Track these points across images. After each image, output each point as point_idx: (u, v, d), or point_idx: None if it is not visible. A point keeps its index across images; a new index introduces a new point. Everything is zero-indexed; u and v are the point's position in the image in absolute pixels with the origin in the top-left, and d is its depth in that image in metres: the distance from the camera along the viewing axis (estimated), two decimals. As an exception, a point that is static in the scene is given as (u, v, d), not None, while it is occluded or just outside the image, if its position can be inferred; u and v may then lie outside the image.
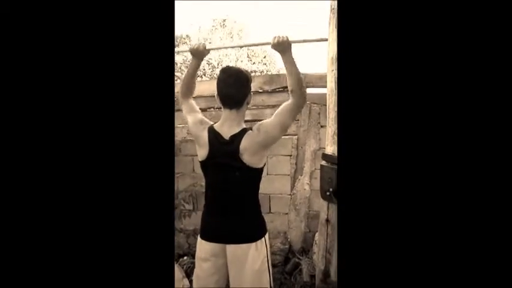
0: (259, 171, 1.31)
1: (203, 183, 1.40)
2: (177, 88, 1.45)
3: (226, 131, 1.29)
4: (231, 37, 9.67)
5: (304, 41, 1.36)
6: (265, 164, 1.32)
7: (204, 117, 1.41)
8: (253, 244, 1.28)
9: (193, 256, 2.71)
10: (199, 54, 1.42)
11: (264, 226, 1.36)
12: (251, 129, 1.28)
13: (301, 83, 1.24)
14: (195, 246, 1.38)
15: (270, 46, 1.28)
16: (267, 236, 1.35)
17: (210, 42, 8.81)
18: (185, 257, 2.71)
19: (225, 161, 1.26)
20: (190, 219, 2.58)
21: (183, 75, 1.48)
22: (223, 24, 9.62)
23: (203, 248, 1.34)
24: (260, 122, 1.30)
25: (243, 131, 1.28)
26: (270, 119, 1.29)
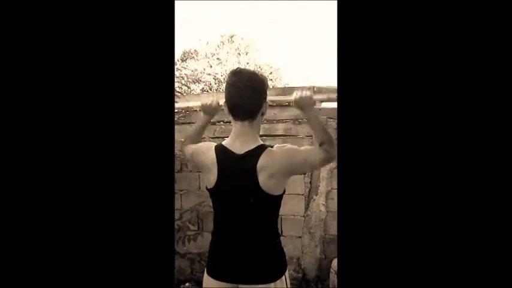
0: (278, 198, 1.10)
1: (211, 203, 1.19)
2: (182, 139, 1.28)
3: (239, 148, 1.09)
4: (238, 53, 9.74)
5: (329, 99, 1.38)
6: (284, 191, 1.12)
7: (206, 141, 1.22)
8: (272, 284, 1.08)
9: (196, 282, 2.52)
10: (211, 110, 1.27)
11: (285, 261, 1.15)
12: (272, 146, 1.09)
13: (331, 138, 1.09)
14: (199, 272, 1.17)
15: (293, 98, 1.12)
16: (287, 272, 1.14)
17: (218, 58, 8.83)
18: (187, 284, 2.53)
19: (238, 181, 1.06)
20: (195, 242, 2.37)
21: (191, 130, 1.30)
22: (231, 40, 9.66)
23: (211, 287, 1.13)
24: (284, 144, 1.11)
25: (261, 148, 1.09)
26: (297, 147, 1.11)
